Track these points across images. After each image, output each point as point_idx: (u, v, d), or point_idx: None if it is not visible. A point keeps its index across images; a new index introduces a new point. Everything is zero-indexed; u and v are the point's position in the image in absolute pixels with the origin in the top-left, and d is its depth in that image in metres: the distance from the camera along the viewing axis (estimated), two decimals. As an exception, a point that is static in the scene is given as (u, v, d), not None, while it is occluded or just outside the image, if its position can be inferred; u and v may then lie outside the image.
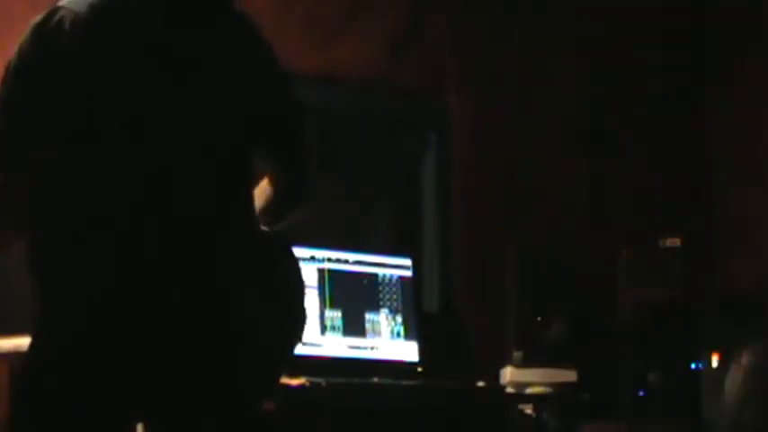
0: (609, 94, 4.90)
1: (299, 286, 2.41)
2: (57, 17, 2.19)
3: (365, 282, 3.94)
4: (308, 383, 3.39)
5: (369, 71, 4.43)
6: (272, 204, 2.42)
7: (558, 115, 4.79)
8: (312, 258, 3.85)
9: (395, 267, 4.01)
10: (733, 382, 2.71)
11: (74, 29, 2.17)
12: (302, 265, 3.70)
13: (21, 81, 2.20)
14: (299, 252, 3.74)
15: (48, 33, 2.19)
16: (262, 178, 2.45)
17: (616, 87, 4.90)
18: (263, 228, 2.38)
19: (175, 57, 2.24)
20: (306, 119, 2.45)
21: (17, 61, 2.21)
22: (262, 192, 2.43)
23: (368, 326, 3.89)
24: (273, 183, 2.43)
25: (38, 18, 2.22)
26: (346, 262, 3.93)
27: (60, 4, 2.23)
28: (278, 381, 2.44)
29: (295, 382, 3.37)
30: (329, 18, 4.38)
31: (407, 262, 4.04)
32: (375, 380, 3.72)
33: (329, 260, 3.88)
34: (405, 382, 3.80)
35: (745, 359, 2.72)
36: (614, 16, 4.90)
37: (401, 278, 4.00)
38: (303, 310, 2.40)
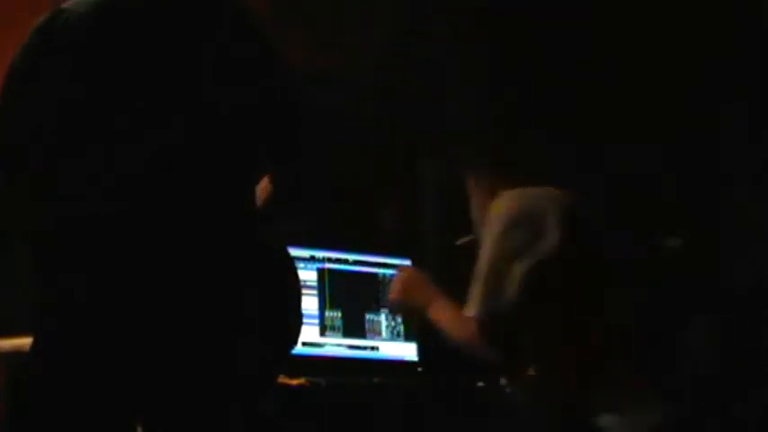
0: (609, 92, 4.90)
1: (296, 288, 2.41)
2: (61, 18, 2.21)
3: (365, 282, 3.94)
4: (307, 383, 3.39)
5: (369, 71, 4.43)
6: (269, 201, 2.43)
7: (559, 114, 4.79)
8: (312, 258, 3.84)
9: (395, 267, 4.01)
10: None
11: (78, 27, 2.18)
12: (302, 265, 3.77)
13: (23, 82, 2.20)
14: (299, 252, 3.77)
15: (52, 32, 2.19)
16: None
17: (617, 86, 4.90)
18: (262, 227, 2.39)
19: (178, 54, 2.24)
20: (302, 115, 2.45)
21: (20, 63, 2.21)
22: (262, 190, 2.43)
23: (368, 326, 3.88)
24: (272, 180, 2.44)
25: (40, 20, 2.23)
26: (346, 262, 3.93)
27: (64, 5, 2.24)
28: (275, 381, 2.45)
29: (295, 382, 3.36)
30: (329, 18, 4.38)
31: (407, 262, 4.04)
32: (375, 380, 3.72)
33: (329, 260, 3.88)
34: (405, 382, 3.80)
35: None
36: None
37: (401, 278, 4.00)
38: (299, 312, 2.40)
